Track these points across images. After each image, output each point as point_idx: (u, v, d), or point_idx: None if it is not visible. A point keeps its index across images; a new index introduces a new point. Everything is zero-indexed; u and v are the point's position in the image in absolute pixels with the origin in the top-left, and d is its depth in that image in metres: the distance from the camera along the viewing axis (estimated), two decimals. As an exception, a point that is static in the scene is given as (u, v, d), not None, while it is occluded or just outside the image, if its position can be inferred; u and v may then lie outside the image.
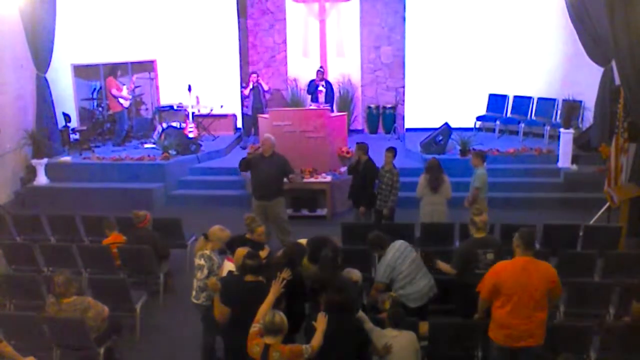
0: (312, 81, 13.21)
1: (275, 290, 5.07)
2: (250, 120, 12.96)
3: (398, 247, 6.00)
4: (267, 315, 4.69)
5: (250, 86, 12.85)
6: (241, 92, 13.13)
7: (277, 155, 8.55)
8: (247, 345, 4.74)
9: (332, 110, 12.55)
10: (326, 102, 12.93)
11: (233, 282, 5.46)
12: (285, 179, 8.59)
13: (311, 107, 12.69)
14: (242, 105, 13.19)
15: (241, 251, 5.62)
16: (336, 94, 13.78)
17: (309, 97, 13.35)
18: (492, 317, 5.31)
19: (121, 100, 12.48)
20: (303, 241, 6.28)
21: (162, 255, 7.67)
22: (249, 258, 5.33)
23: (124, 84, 12.68)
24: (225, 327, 5.43)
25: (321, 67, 13.36)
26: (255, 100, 12.80)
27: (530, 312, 5.12)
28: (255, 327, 4.78)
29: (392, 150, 8.67)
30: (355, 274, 5.93)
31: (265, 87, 13.15)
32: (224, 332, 5.56)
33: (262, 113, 12.54)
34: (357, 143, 9.00)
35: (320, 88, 12.98)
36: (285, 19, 14.21)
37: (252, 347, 4.68)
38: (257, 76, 13.06)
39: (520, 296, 5.10)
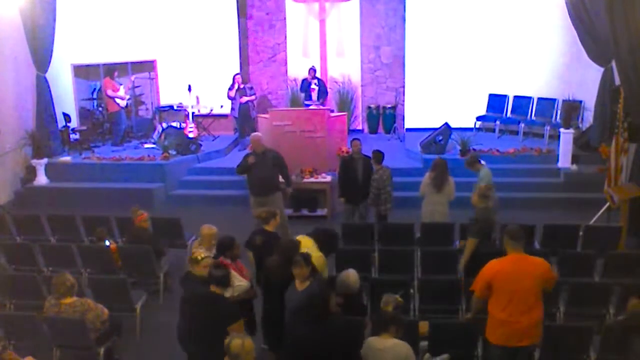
0: (304, 80, 13.26)
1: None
2: (240, 122, 12.91)
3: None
4: (226, 338, 4.25)
5: (236, 87, 12.69)
6: (228, 94, 12.79)
7: (269, 151, 8.81)
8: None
9: (328, 109, 12.53)
10: (319, 99, 12.97)
11: (196, 287, 5.38)
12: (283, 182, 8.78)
13: (310, 107, 12.67)
14: (231, 108, 12.99)
15: (207, 260, 5.66)
16: (335, 94, 13.79)
17: (303, 95, 13.35)
18: (489, 316, 5.26)
19: (118, 100, 12.46)
20: (301, 238, 6.26)
21: (158, 252, 7.67)
22: (216, 268, 5.22)
23: (122, 84, 12.66)
24: (181, 336, 5.41)
25: (313, 66, 13.29)
26: (242, 102, 12.68)
27: (525, 310, 5.07)
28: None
29: (376, 154, 8.67)
30: (352, 275, 5.86)
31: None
32: (180, 340, 5.54)
33: (250, 115, 12.52)
34: (354, 139, 9.15)
35: (313, 86, 13.02)
36: (285, 19, 14.19)
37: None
38: (241, 77, 12.88)
39: (513, 293, 5.05)
